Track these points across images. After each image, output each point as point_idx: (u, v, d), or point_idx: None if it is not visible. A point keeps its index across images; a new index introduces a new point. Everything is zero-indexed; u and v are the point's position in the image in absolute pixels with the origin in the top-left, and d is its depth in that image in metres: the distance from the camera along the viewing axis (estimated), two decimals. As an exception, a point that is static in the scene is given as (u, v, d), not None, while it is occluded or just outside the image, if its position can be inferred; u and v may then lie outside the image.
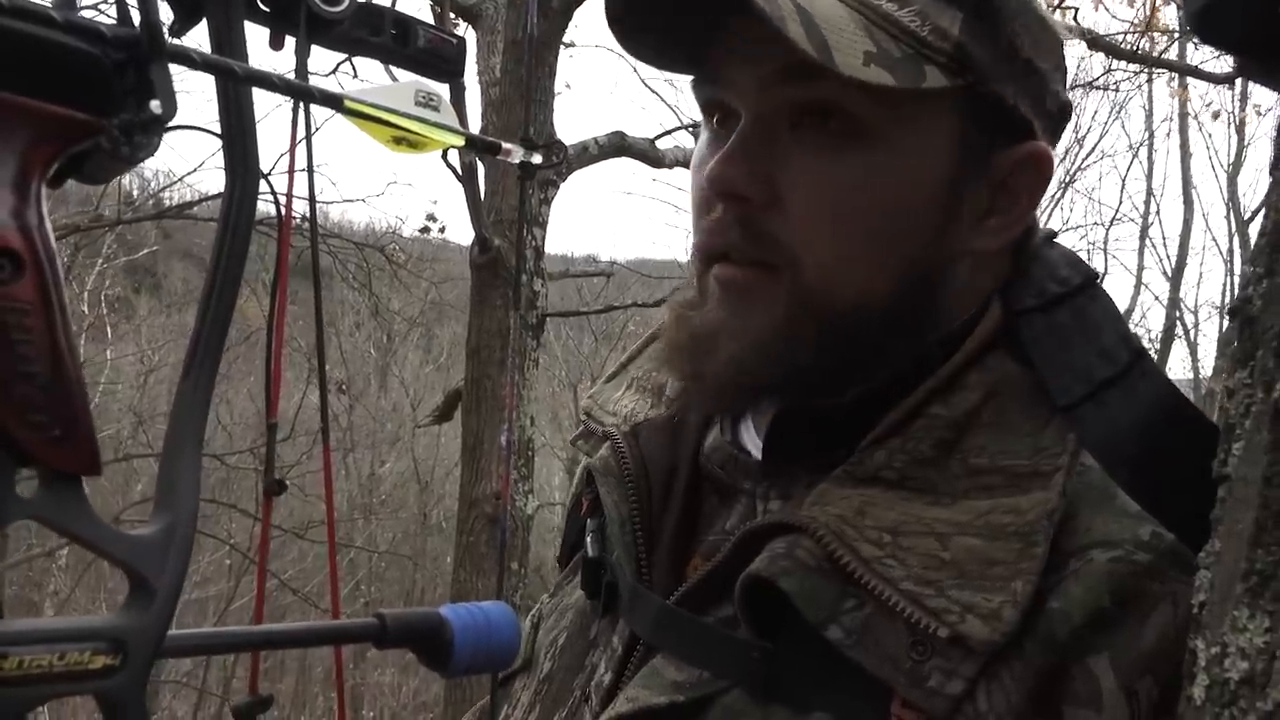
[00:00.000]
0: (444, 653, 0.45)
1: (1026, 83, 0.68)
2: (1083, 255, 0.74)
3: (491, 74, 4.67)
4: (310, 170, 0.73)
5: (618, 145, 5.34)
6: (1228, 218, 13.50)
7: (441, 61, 0.56)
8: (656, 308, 6.10)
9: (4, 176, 0.32)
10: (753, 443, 0.74)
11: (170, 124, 0.36)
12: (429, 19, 2.98)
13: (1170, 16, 6.48)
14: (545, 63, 4.57)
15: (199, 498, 0.37)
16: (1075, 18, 6.04)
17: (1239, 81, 7.71)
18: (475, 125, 4.54)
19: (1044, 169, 0.69)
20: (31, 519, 0.33)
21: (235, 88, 0.38)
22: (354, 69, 5.27)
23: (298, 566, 10.30)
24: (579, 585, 0.78)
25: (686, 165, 4.68)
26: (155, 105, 0.35)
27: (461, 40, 0.58)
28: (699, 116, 0.74)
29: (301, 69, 0.54)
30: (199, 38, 0.42)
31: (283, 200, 0.69)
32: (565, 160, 4.76)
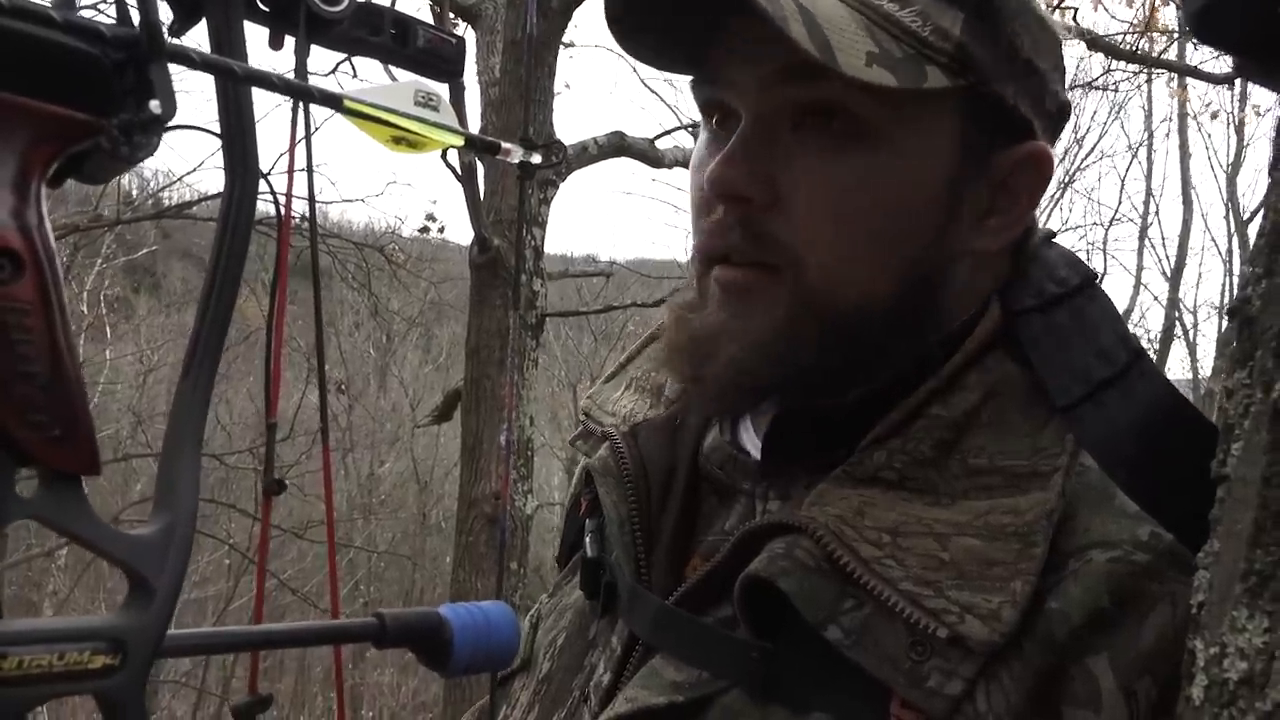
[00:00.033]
0: (443, 652, 0.45)
1: (1027, 82, 0.68)
2: (1082, 255, 0.74)
3: (491, 74, 4.67)
4: (310, 170, 0.72)
5: (617, 145, 5.34)
6: (1227, 218, 13.52)
7: (441, 61, 0.56)
8: (656, 308, 6.10)
9: (4, 176, 0.32)
10: (752, 443, 0.74)
11: (170, 124, 0.36)
12: (428, 19, 2.99)
13: (1169, 17, 6.49)
14: (544, 62, 4.57)
15: (198, 497, 0.37)
16: (1074, 18, 6.04)
17: (1238, 82, 7.71)
18: (474, 125, 4.54)
19: (1044, 169, 0.69)
20: (31, 519, 0.33)
21: (235, 87, 0.38)
22: (353, 69, 5.28)
23: (296, 566, 10.30)
24: (578, 585, 0.78)
25: (686, 165, 4.70)
26: (155, 105, 0.35)
27: (461, 40, 0.58)
28: (698, 116, 0.74)
29: (301, 69, 0.54)
30: (198, 37, 0.42)
31: (282, 200, 0.69)
32: (565, 160, 4.76)
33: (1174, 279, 13.46)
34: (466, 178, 4.34)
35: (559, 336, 14.02)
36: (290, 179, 0.70)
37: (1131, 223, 14.09)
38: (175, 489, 0.36)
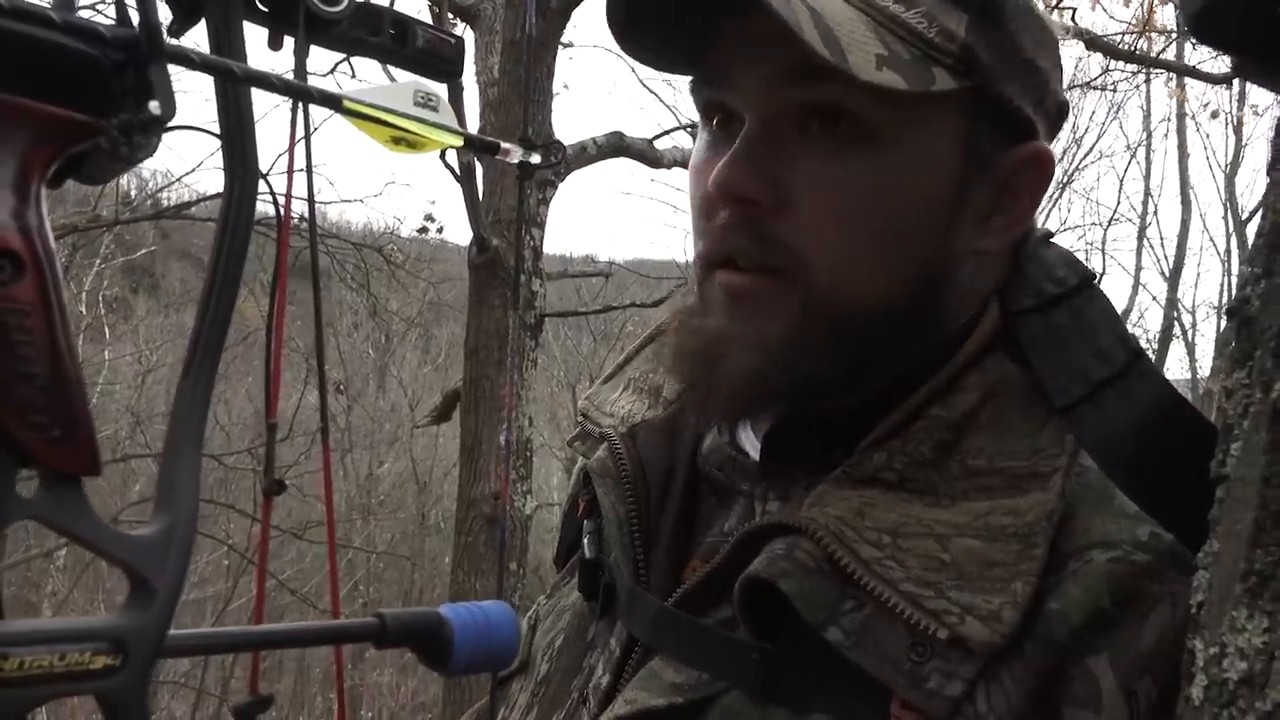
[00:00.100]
0: (443, 652, 0.44)
1: (1029, 82, 0.68)
2: (1080, 255, 0.74)
3: (490, 74, 4.67)
4: (309, 170, 0.72)
5: (616, 145, 5.34)
6: (1225, 218, 13.53)
7: (440, 62, 0.56)
8: (655, 308, 6.10)
9: (4, 178, 0.32)
10: (751, 444, 0.74)
11: (169, 124, 0.36)
12: (427, 19, 2.98)
13: (1168, 16, 6.50)
14: (543, 63, 4.57)
15: (199, 498, 0.37)
16: (1073, 18, 6.04)
17: (1237, 82, 7.72)
18: (473, 125, 4.54)
19: (1046, 168, 0.69)
20: (32, 519, 0.33)
21: (234, 88, 0.38)
22: (352, 69, 5.27)
23: (296, 567, 10.30)
24: (576, 587, 0.78)
25: (685, 165, 4.69)
26: (154, 106, 0.35)
27: (460, 40, 0.58)
28: (697, 117, 0.74)
29: (300, 69, 0.54)
30: (198, 38, 0.42)
31: (281, 200, 0.69)
32: (563, 160, 4.76)
33: (1172, 279, 13.47)
34: (465, 178, 4.33)
35: (558, 337, 14.01)
36: (290, 179, 0.70)
37: (1130, 223, 14.13)
38: (176, 489, 0.36)
